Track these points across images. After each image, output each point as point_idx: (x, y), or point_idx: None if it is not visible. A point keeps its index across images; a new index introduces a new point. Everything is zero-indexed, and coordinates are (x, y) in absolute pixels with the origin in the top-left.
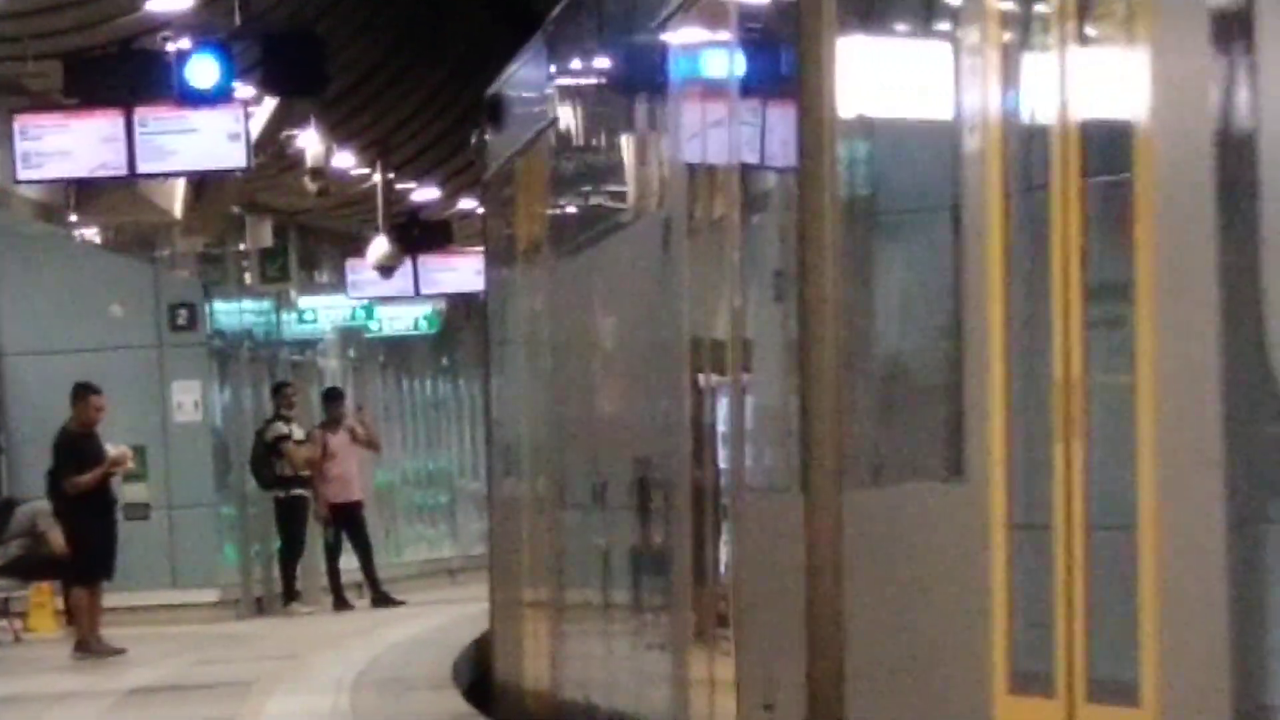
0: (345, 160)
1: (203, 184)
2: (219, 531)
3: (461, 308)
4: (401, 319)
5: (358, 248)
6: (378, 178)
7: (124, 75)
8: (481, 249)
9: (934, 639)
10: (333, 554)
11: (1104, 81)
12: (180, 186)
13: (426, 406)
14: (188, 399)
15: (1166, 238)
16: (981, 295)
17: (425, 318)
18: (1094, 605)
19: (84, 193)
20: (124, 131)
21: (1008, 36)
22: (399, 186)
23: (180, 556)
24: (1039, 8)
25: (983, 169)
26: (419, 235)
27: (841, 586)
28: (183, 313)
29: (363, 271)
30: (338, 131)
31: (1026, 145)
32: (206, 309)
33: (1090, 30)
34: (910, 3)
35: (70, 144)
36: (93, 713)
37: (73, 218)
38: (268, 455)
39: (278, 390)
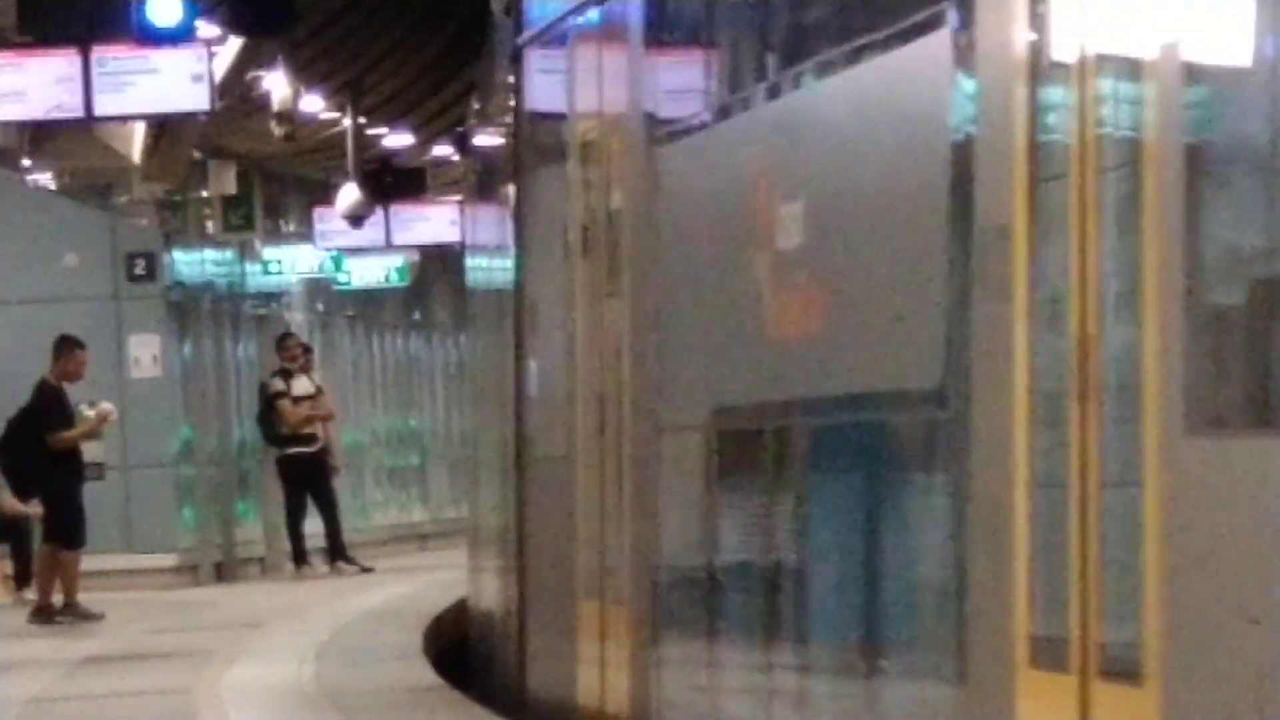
0: (314, 104)
1: (163, 128)
2: (179, 493)
3: (436, 260)
4: (372, 271)
5: (326, 196)
6: (348, 122)
7: (80, 12)
8: (458, 198)
9: (558, 560)
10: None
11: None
12: (139, 130)
13: (398, 363)
14: (145, 353)
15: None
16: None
17: (397, 270)
18: (595, 534)
19: (38, 136)
20: (80, 71)
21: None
22: (370, 132)
23: (137, 519)
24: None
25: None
26: (391, 183)
27: (524, 529)
28: (140, 263)
29: (331, 221)
30: (306, 73)
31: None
32: (166, 259)
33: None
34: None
35: (24, 84)
36: (44, 682)
37: (26, 162)
38: (269, 411)
39: (280, 342)
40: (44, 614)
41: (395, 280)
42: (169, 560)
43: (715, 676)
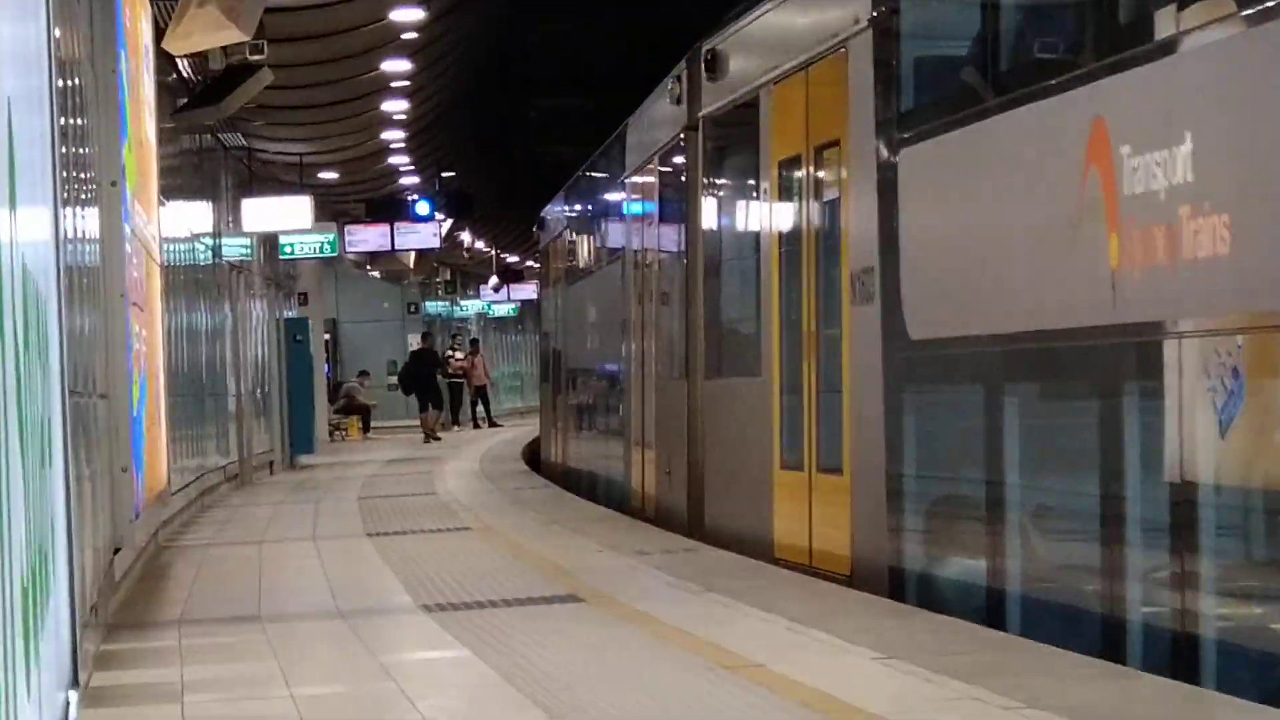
0: (481, 245)
1: (421, 254)
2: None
3: (528, 306)
4: (502, 309)
5: (484, 280)
6: (493, 251)
7: (390, 209)
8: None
9: (550, 422)
10: (475, 406)
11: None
12: (412, 254)
13: (513, 347)
14: (416, 344)
15: None
16: None
17: (512, 309)
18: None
19: (374, 257)
20: (389, 232)
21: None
22: (501, 254)
23: (412, 405)
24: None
25: None
26: (509, 275)
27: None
28: (412, 306)
29: (486, 292)
30: (478, 232)
31: None
32: (424, 305)
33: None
34: None
35: (365, 238)
36: (371, 469)
37: (368, 267)
38: (445, 362)
39: (452, 339)
40: (433, 436)
41: (511, 313)
42: (415, 423)
43: (580, 450)
